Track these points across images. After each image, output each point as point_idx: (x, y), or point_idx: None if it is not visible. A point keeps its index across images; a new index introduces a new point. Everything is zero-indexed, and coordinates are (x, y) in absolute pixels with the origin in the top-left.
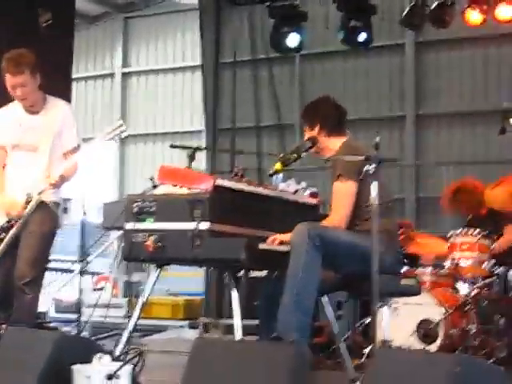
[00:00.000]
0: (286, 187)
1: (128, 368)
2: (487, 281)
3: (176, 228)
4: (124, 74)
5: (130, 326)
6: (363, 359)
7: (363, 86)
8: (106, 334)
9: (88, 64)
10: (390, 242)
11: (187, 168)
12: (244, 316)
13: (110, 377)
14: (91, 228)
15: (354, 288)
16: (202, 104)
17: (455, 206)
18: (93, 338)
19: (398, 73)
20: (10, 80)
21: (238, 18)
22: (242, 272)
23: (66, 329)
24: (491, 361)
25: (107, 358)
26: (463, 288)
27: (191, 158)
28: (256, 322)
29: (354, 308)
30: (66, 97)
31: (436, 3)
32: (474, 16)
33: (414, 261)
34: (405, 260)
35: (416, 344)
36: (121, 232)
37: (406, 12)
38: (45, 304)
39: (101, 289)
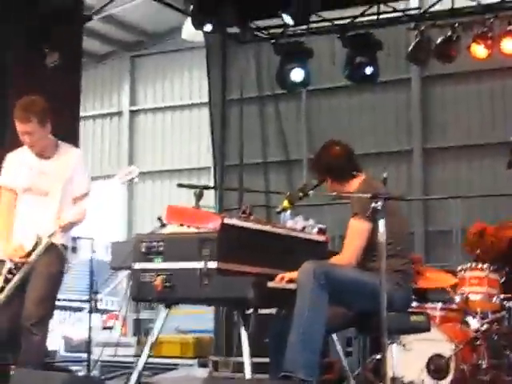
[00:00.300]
0: (294, 224)
1: None
2: (497, 315)
3: (184, 267)
4: (132, 112)
5: (140, 365)
6: None
7: (370, 121)
8: (115, 374)
9: (95, 102)
10: (402, 282)
11: (195, 207)
12: (254, 354)
13: None
14: (100, 266)
15: (363, 325)
16: (210, 141)
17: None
18: (102, 377)
19: (404, 107)
20: (18, 127)
21: (244, 56)
22: (251, 309)
23: (75, 368)
24: None
25: None
26: (473, 323)
27: (198, 196)
28: (266, 359)
29: (364, 344)
30: (74, 136)
31: (441, 38)
32: (480, 50)
33: (423, 296)
34: (414, 296)
35: (427, 380)
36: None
37: (411, 47)
38: (55, 343)
39: (110, 327)
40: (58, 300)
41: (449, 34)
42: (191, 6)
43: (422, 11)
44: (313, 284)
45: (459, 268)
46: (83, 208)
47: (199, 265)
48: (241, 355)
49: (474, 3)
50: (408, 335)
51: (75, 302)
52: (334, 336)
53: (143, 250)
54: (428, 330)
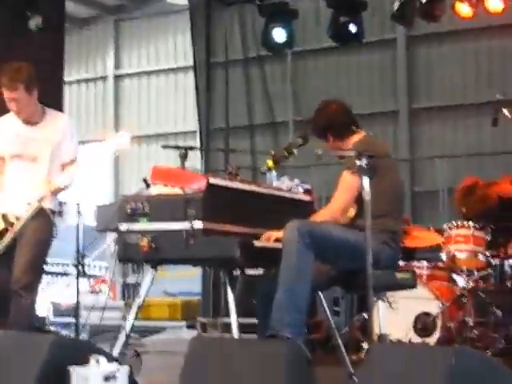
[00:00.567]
0: (280, 184)
1: (125, 369)
2: (483, 273)
3: (170, 228)
4: (116, 77)
5: (127, 327)
6: (362, 354)
7: (355, 82)
8: (103, 336)
9: (80, 67)
10: (389, 242)
11: (180, 168)
12: (242, 314)
13: (107, 378)
14: (88, 231)
15: (348, 283)
16: (195, 104)
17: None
18: (91, 340)
19: (390, 68)
20: (5, 93)
21: (228, 18)
22: (237, 270)
23: (64, 332)
24: (489, 352)
25: (104, 359)
26: (459, 280)
27: (183, 158)
28: (254, 320)
29: (351, 303)
30: (59, 100)
31: None
32: (464, 9)
33: (410, 255)
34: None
35: (414, 338)
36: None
37: (396, 7)
38: (44, 308)
39: (98, 291)
40: (46, 265)
41: None
42: None
43: None
44: (297, 243)
45: (445, 226)
46: (73, 173)
47: (185, 225)
48: (228, 316)
49: None
50: (395, 293)
51: (63, 266)
52: (321, 295)
53: (128, 211)
54: (414, 286)
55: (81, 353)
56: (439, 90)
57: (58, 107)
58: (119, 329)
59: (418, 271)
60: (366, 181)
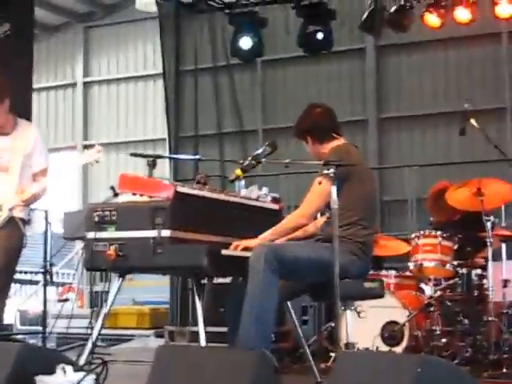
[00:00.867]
0: (249, 193)
1: (91, 378)
2: (450, 282)
3: (137, 236)
4: (85, 84)
5: (93, 336)
6: (330, 362)
7: (325, 91)
8: (70, 345)
9: (49, 74)
10: (360, 254)
11: (148, 177)
12: (210, 323)
13: None
14: (55, 238)
15: (316, 293)
16: (165, 112)
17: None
18: (58, 349)
19: (359, 77)
20: None
21: (198, 26)
22: (205, 279)
23: (32, 341)
24: (456, 361)
25: (70, 368)
26: (427, 289)
27: (152, 166)
28: (222, 329)
29: (320, 312)
30: (28, 108)
31: (394, 8)
32: (432, 19)
33: (377, 264)
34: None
35: (381, 346)
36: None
37: (364, 16)
38: (10, 316)
39: (66, 300)
40: (15, 274)
41: (402, 2)
42: None
43: None
44: (264, 270)
45: (413, 235)
46: (45, 183)
47: (152, 233)
48: (196, 325)
49: None
50: (363, 302)
51: (30, 274)
52: (289, 304)
53: (96, 219)
54: (382, 296)
55: (47, 362)
56: (408, 99)
57: (27, 115)
58: (86, 337)
59: (385, 280)
60: (333, 189)
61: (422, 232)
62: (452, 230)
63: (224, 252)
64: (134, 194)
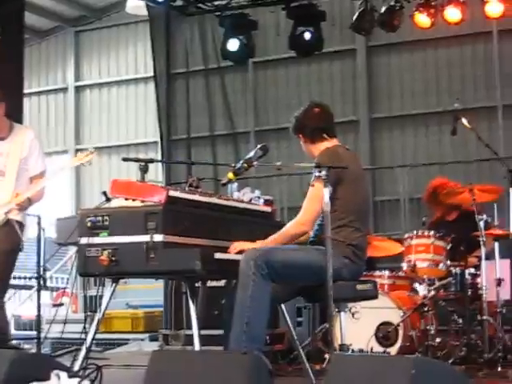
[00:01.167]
0: (241, 196)
1: None
2: (444, 281)
3: (130, 241)
4: (77, 88)
5: (88, 341)
6: (324, 364)
7: (316, 92)
8: (65, 350)
9: (40, 79)
10: (353, 257)
11: (140, 181)
12: (204, 326)
13: None
14: (49, 243)
15: (310, 295)
16: (156, 115)
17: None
18: (52, 354)
19: (350, 77)
20: None
21: (188, 28)
22: (199, 282)
23: (26, 346)
24: (451, 360)
25: (65, 374)
26: (421, 289)
27: (144, 170)
28: (217, 331)
29: (314, 314)
30: (19, 112)
31: (384, 8)
32: (423, 19)
33: (370, 264)
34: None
35: (376, 347)
36: None
37: (355, 17)
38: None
39: (60, 304)
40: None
41: (392, 3)
42: None
43: None
44: (254, 275)
45: (406, 236)
46: (40, 186)
47: (145, 238)
48: (191, 328)
49: None
50: (357, 304)
51: (24, 279)
52: (283, 307)
53: (88, 224)
54: (375, 297)
55: (42, 368)
56: (399, 99)
57: (19, 120)
58: (81, 342)
59: (379, 281)
60: (325, 191)
61: (414, 232)
62: (445, 230)
63: (217, 256)
64: (127, 199)
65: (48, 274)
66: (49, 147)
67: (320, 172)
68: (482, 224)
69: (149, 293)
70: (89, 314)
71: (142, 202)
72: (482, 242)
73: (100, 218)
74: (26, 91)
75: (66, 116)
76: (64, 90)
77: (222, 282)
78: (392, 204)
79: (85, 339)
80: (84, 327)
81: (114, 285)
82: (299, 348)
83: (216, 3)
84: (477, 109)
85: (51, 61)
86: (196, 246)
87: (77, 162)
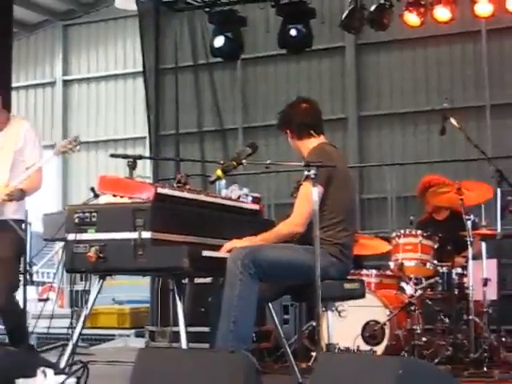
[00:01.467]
0: (229, 193)
1: (72, 381)
2: (431, 281)
3: (118, 238)
4: (65, 82)
5: (74, 337)
6: (311, 362)
7: (305, 89)
8: (51, 346)
9: (28, 73)
10: (340, 256)
11: (128, 177)
12: (191, 323)
13: None
14: (35, 238)
15: (297, 294)
16: (145, 110)
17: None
18: (38, 349)
19: (339, 75)
20: None
21: (178, 24)
22: (186, 279)
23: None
24: (437, 360)
25: (51, 371)
26: (408, 288)
27: (132, 167)
28: (203, 329)
29: (301, 312)
30: (6, 106)
31: (374, 6)
32: (412, 18)
33: (357, 263)
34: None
35: (362, 345)
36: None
37: (344, 15)
38: None
39: (46, 299)
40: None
41: (381, 1)
42: None
43: None
44: (242, 274)
45: (393, 234)
46: (29, 175)
47: (133, 235)
48: (177, 325)
49: None
50: (344, 302)
51: None
52: (270, 305)
53: (76, 220)
54: (363, 296)
55: (28, 365)
56: (388, 97)
57: None
58: (67, 338)
59: (366, 279)
60: (314, 191)
61: (402, 231)
62: (434, 229)
63: (205, 253)
64: (115, 196)
65: (34, 269)
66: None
67: (309, 171)
68: (469, 223)
69: (135, 288)
70: (75, 309)
71: (130, 198)
72: (469, 242)
73: (88, 214)
74: (13, 85)
75: (54, 110)
76: (52, 84)
77: (208, 279)
78: (379, 202)
79: (71, 335)
80: (71, 323)
81: (101, 281)
82: (286, 346)
83: None
84: (465, 108)
85: (39, 55)
86: (184, 243)
87: (62, 149)
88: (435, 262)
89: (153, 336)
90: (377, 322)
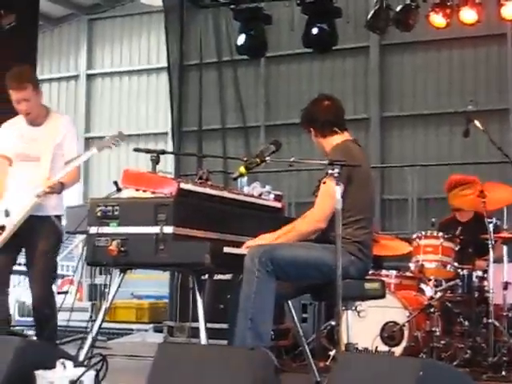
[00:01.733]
0: (251, 190)
1: (91, 373)
2: (451, 283)
3: (140, 232)
4: (89, 76)
5: (94, 330)
6: (329, 361)
7: (328, 88)
8: (70, 338)
9: (52, 66)
10: (359, 255)
11: (151, 172)
12: (210, 319)
13: (73, 382)
14: None
15: (317, 293)
16: (168, 106)
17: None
18: (57, 342)
19: (362, 75)
20: (14, 95)
21: (203, 20)
22: (206, 275)
23: (30, 332)
24: (455, 362)
25: (70, 363)
26: (427, 290)
27: (155, 161)
28: (221, 325)
29: (319, 310)
30: None
31: (400, 7)
32: (438, 19)
33: (377, 263)
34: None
35: (381, 346)
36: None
37: (370, 15)
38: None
39: (65, 292)
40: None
41: (407, 1)
42: None
43: None
44: (259, 272)
45: (414, 236)
46: (68, 170)
47: (155, 230)
48: (196, 321)
49: None
50: (363, 302)
51: None
52: (290, 303)
53: (98, 214)
54: (383, 296)
55: (47, 356)
56: (411, 98)
57: None
58: (86, 331)
59: (386, 280)
60: (337, 189)
61: (423, 232)
62: (456, 231)
63: (226, 250)
64: (137, 190)
65: None
66: None
67: (333, 170)
68: (491, 227)
69: (154, 283)
70: (94, 302)
71: (153, 193)
72: (490, 246)
73: (110, 208)
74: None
75: (77, 103)
76: (76, 77)
77: (228, 276)
78: (400, 203)
79: (90, 328)
80: (90, 316)
81: (121, 275)
82: (304, 344)
83: None
84: (489, 111)
85: (64, 48)
86: (205, 239)
87: (106, 144)
88: (456, 264)
89: (171, 331)
90: (396, 323)
